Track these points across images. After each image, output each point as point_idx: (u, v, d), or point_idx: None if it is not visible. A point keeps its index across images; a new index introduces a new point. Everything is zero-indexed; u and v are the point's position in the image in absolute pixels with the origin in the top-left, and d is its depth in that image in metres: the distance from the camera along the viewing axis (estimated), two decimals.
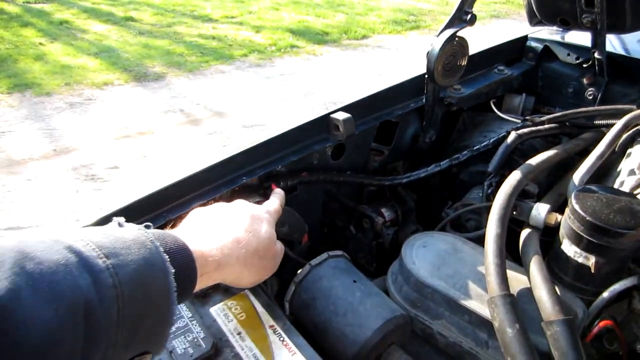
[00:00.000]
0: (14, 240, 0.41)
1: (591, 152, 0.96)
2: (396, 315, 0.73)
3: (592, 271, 0.74)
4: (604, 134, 1.02)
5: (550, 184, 1.04)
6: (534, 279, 0.72)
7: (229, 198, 0.90)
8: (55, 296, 0.38)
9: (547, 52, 1.47)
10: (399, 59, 5.68)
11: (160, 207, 0.84)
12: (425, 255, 0.82)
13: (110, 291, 0.42)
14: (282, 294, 0.83)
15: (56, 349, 0.38)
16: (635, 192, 0.86)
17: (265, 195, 0.91)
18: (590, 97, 1.37)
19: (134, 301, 0.44)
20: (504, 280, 0.68)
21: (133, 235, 0.49)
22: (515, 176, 0.89)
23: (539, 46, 1.48)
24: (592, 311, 0.73)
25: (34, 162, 3.33)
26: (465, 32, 1.11)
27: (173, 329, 0.68)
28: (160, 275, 0.48)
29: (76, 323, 0.39)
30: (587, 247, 0.74)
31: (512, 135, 1.10)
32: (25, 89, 4.37)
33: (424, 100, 1.22)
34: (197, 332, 0.68)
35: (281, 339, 0.68)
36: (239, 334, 0.69)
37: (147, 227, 0.53)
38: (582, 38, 1.38)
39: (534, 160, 0.96)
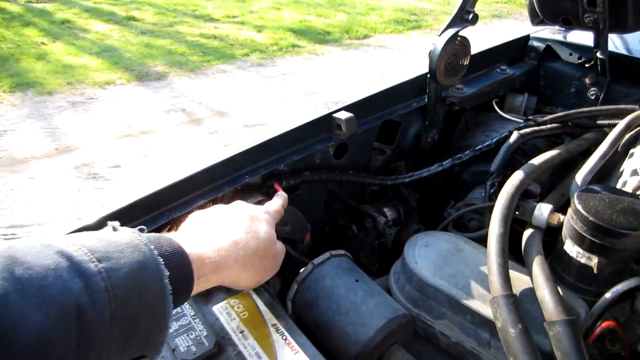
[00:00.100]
0: (3, 246, 0.41)
1: (594, 152, 0.96)
2: (398, 315, 0.73)
3: (595, 272, 0.74)
4: (606, 134, 1.02)
5: (552, 184, 1.04)
6: (536, 279, 0.72)
7: (232, 197, 0.90)
8: (45, 300, 0.39)
9: (549, 51, 1.46)
10: (400, 59, 5.68)
11: (164, 206, 0.84)
12: (428, 254, 0.82)
13: (103, 295, 0.43)
14: (284, 292, 0.83)
15: (48, 352, 0.38)
16: (638, 193, 0.86)
17: (267, 194, 0.91)
18: (593, 97, 1.37)
19: (128, 304, 0.45)
20: (506, 280, 0.68)
21: (127, 239, 0.49)
22: (517, 176, 0.89)
23: (541, 46, 1.48)
24: (594, 312, 0.73)
25: (36, 160, 3.33)
26: (466, 32, 1.11)
27: (176, 326, 0.68)
28: (154, 278, 0.48)
29: (68, 326, 0.40)
30: (590, 248, 0.74)
31: (515, 135, 1.10)
32: (27, 88, 4.37)
33: (426, 100, 1.22)
34: (199, 330, 0.68)
35: (284, 337, 0.68)
36: (241, 332, 0.69)
37: (142, 230, 0.53)
38: (584, 38, 1.38)
39: (536, 160, 0.96)
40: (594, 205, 0.74)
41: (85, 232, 0.50)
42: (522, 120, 1.24)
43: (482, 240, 0.83)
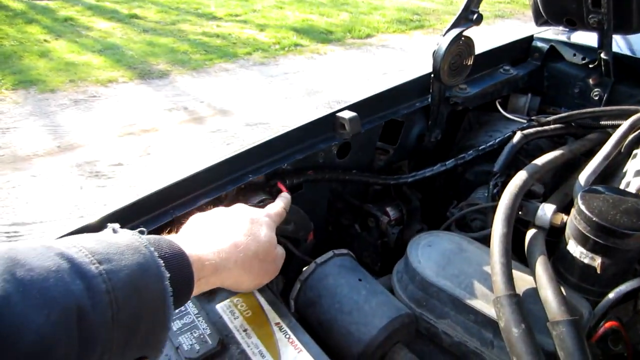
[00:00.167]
0: (4, 248, 0.41)
1: (597, 153, 0.96)
2: (401, 314, 0.73)
3: (598, 272, 0.74)
4: (609, 135, 1.01)
5: (555, 184, 1.04)
6: (539, 279, 0.72)
7: (235, 196, 0.90)
8: (47, 302, 0.39)
9: (553, 52, 1.46)
10: (403, 59, 5.68)
11: (167, 204, 0.84)
12: (431, 254, 0.82)
13: (104, 296, 0.43)
14: (287, 291, 0.83)
15: (50, 354, 0.38)
16: None
17: (271, 194, 0.91)
18: (596, 98, 1.37)
19: (129, 306, 0.45)
20: (510, 280, 0.68)
21: (127, 241, 0.49)
22: (521, 176, 0.89)
23: (544, 46, 1.47)
24: (597, 312, 0.73)
25: (39, 158, 3.34)
26: (469, 32, 1.11)
27: (180, 325, 0.69)
28: (154, 280, 0.48)
29: (69, 328, 0.40)
30: (593, 248, 0.74)
31: (518, 135, 1.10)
32: (29, 86, 4.38)
33: (429, 100, 1.22)
34: (203, 329, 0.68)
35: (287, 336, 0.68)
36: (245, 330, 0.69)
37: (142, 232, 0.53)
38: (588, 38, 1.38)
39: (539, 161, 0.96)
40: (597, 206, 0.74)
41: (84, 234, 0.50)
42: (525, 121, 1.24)
43: (485, 240, 0.83)
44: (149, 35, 5.98)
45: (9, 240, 2.57)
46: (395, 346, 0.73)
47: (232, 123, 3.95)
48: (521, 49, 1.50)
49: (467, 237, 0.89)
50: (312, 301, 0.78)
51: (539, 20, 1.37)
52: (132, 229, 0.54)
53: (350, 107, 1.05)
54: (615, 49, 1.30)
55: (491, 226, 0.78)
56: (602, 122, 1.12)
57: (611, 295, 0.73)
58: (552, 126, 1.15)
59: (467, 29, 1.09)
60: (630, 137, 1.00)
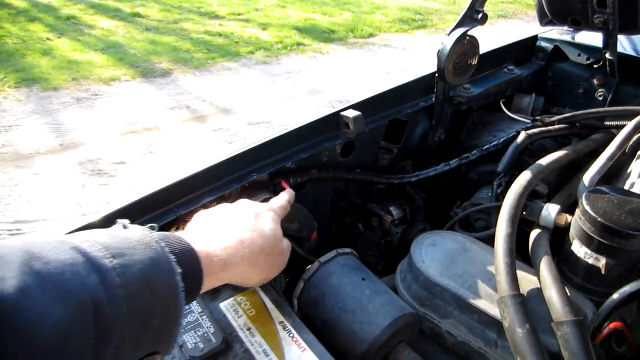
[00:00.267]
0: (19, 242, 0.41)
1: (601, 153, 0.96)
2: (405, 314, 0.73)
3: (602, 272, 0.74)
4: (614, 135, 1.01)
5: (560, 184, 1.03)
6: (544, 279, 0.72)
7: (239, 194, 0.90)
8: (63, 295, 0.39)
9: (557, 52, 1.46)
10: (405, 58, 5.67)
11: (171, 203, 0.84)
12: (435, 254, 0.82)
13: (118, 290, 0.43)
14: (290, 290, 0.83)
15: (67, 346, 0.38)
16: None
17: (274, 192, 0.91)
18: (601, 98, 1.37)
19: (142, 301, 0.45)
20: (514, 280, 0.68)
21: (138, 236, 0.49)
22: (525, 176, 0.88)
23: (549, 46, 1.47)
24: (601, 312, 0.73)
25: (41, 156, 3.35)
26: (473, 32, 1.11)
27: (183, 323, 0.68)
28: (166, 275, 0.48)
29: (85, 322, 0.40)
30: (598, 248, 0.74)
31: (522, 135, 1.09)
32: (32, 84, 4.38)
33: (433, 99, 1.22)
34: (207, 327, 0.68)
35: (291, 335, 0.68)
36: (248, 329, 0.69)
37: (152, 228, 0.53)
38: (592, 38, 1.37)
39: (543, 161, 0.96)
40: (602, 206, 0.74)
41: (95, 230, 0.50)
42: (529, 121, 1.24)
43: (489, 240, 0.83)
44: (152, 34, 5.98)
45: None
46: (399, 345, 0.73)
47: (234, 122, 3.96)
48: (525, 48, 1.50)
49: (470, 237, 0.88)
50: (315, 300, 0.78)
51: (544, 20, 1.36)
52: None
53: (354, 106, 1.05)
54: (620, 49, 1.29)
55: (495, 226, 0.78)
56: (607, 123, 1.12)
57: (615, 295, 0.73)
58: (556, 126, 1.14)
59: (471, 28, 1.09)
60: (635, 137, 1.00)
